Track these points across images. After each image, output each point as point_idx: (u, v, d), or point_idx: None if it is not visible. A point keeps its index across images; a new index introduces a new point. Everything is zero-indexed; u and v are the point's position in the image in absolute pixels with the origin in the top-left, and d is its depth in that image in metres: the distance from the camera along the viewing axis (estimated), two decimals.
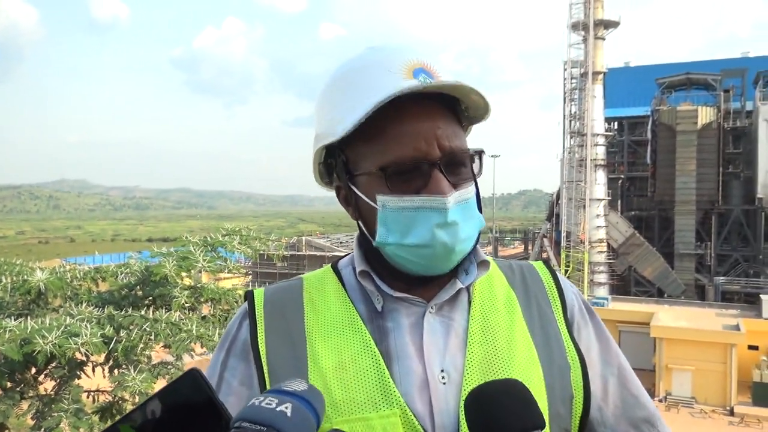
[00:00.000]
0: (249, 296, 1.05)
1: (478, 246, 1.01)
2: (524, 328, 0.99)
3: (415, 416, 0.88)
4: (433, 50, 0.97)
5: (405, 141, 0.91)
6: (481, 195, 1.00)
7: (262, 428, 0.63)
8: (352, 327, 0.96)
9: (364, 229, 1.00)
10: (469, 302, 1.00)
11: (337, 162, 0.99)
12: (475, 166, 0.96)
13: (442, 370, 0.92)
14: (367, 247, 1.02)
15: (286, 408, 0.65)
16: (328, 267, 1.09)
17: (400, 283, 0.98)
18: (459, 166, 0.94)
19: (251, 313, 1.02)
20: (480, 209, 0.98)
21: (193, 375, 0.68)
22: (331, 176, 1.04)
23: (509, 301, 1.03)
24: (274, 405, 0.65)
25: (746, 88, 39.87)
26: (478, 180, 0.97)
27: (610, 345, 1.07)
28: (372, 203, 0.94)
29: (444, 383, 0.91)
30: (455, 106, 0.97)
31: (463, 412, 0.86)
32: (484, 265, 1.01)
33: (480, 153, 0.96)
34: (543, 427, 0.78)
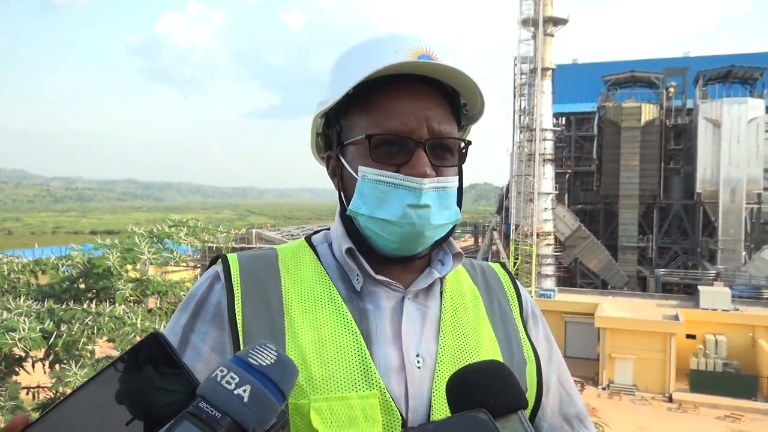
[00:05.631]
0: (223, 259, 1.01)
1: (451, 239, 1.04)
2: (488, 324, 1.03)
3: (392, 399, 0.89)
4: (443, 44, 0.98)
5: (395, 115, 0.93)
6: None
7: (217, 414, 0.60)
8: (331, 304, 0.95)
9: (344, 200, 1.01)
10: (441, 293, 1.02)
11: (332, 132, 1.02)
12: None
13: (418, 355, 0.94)
14: (348, 223, 1.01)
15: (244, 392, 0.62)
16: (302, 241, 1.08)
17: (380, 266, 0.98)
18: (444, 151, 0.95)
19: (227, 277, 0.97)
20: (460, 205, 0.99)
21: (156, 338, 0.66)
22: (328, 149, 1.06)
23: (474, 296, 1.06)
24: (232, 386, 0.62)
25: (687, 87, 41.32)
26: (461, 169, 1.00)
27: (554, 345, 1.13)
28: (353, 173, 0.96)
29: (419, 368, 0.93)
30: (455, 99, 0.99)
31: (436, 397, 0.90)
32: (458, 256, 1.04)
33: (467, 143, 0.98)
34: (526, 406, 0.76)
